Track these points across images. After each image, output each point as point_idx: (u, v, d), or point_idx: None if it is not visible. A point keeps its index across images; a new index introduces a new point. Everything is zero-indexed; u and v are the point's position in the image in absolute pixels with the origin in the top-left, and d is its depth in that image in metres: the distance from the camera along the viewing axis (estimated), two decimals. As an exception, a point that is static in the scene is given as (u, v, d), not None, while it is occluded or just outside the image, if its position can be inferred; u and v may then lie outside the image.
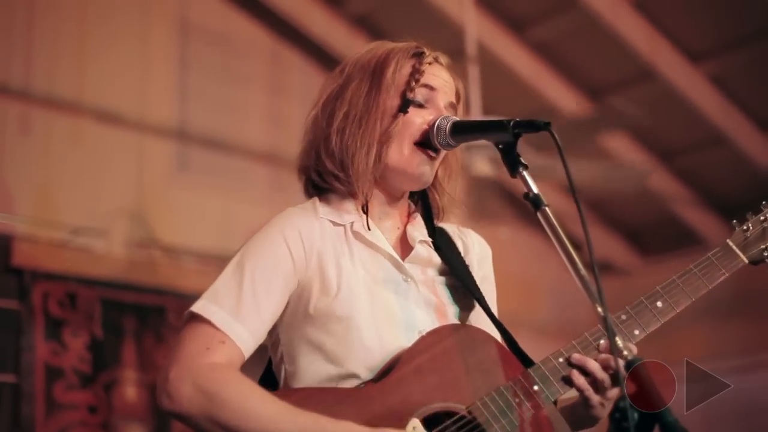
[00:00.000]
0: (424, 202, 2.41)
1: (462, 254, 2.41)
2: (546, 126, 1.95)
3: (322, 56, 6.74)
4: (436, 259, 2.35)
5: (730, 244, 2.34)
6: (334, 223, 2.28)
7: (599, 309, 1.83)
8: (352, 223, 2.28)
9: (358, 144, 2.23)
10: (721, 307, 6.77)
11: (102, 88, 5.93)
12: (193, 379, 2.05)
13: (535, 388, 2.13)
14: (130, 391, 5.53)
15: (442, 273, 2.35)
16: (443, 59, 2.34)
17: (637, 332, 2.19)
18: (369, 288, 2.22)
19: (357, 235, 2.27)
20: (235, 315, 2.13)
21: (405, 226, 2.36)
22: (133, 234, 5.90)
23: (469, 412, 2.10)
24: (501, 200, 7.80)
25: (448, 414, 2.11)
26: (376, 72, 2.28)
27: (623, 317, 2.21)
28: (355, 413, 2.03)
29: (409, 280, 2.27)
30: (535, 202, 1.97)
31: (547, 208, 1.96)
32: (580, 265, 1.88)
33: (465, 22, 5.89)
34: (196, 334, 2.13)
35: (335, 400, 2.07)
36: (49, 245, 5.51)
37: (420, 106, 2.26)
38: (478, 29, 6.09)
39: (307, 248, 2.22)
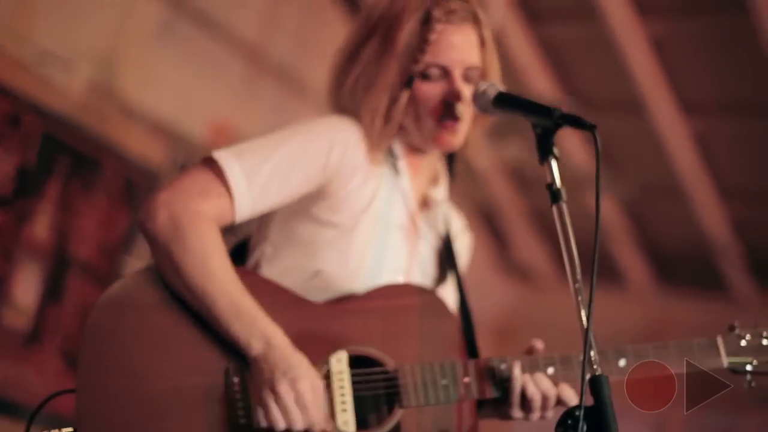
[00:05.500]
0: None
1: (453, 235, 2.48)
2: (591, 127, 1.94)
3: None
4: (441, 226, 2.41)
5: (719, 343, 2.32)
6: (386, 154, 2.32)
7: (583, 317, 1.83)
8: (396, 162, 2.32)
9: (364, 111, 2.25)
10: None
11: None
12: (174, 210, 2.04)
13: (466, 380, 2.15)
14: (40, 227, 5.44)
15: (440, 240, 2.41)
16: (457, 5, 2.30)
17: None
18: (375, 221, 2.24)
19: (393, 174, 2.32)
20: (248, 176, 2.10)
21: (430, 185, 2.42)
22: (96, 79, 5.77)
23: (395, 371, 2.10)
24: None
25: (378, 364, 2.11)
26: (388, 36, 2.26)
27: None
28: (294, 321, 2.05)
29: (416, 232, 2.33)
30: (555, 195, 1.96)
31: (563, 204, 1.95)
32: (578, 270, 1.87)
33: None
34: (203, 174, 2.11)
35: (283, 302, 2.08)
36: (12, 59, 5.36)
37: (435, 79, 2.27)
38: (497, 3, 6.08)
39: (345, 162, 2.22)
